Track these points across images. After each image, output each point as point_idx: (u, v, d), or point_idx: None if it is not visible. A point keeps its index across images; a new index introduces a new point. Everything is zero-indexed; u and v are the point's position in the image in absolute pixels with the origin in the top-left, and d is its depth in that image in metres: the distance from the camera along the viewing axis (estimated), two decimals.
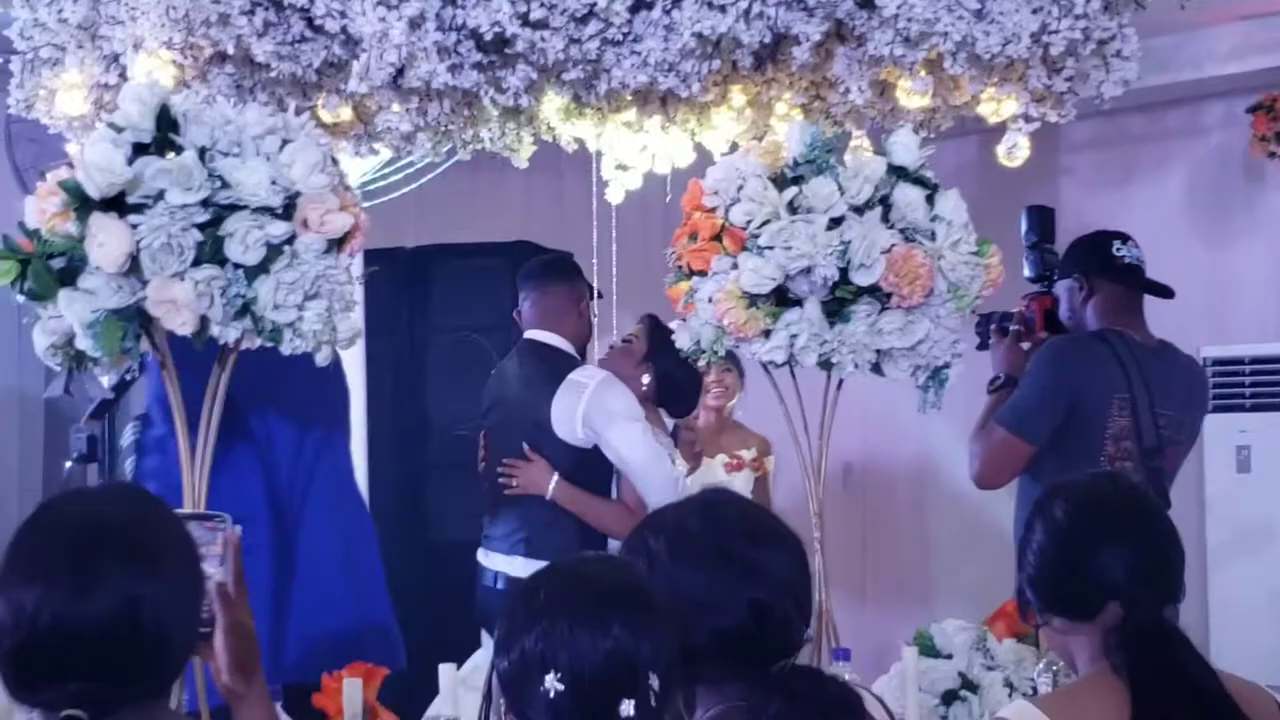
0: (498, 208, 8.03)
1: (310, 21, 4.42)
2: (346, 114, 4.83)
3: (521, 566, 4.85)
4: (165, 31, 4.38)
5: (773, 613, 2.56)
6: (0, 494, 7.20)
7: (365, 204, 4.40)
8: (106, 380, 3.33)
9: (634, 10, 4.40)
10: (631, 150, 5.49)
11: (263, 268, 3.17)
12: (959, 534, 7.62)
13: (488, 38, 4.38)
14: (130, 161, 3.17)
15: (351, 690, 3.24)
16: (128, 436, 6.33)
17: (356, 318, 3.30)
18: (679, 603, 2.52)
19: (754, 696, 2.52)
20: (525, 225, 7.67)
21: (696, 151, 5.36)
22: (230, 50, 4.44)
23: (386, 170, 6.41)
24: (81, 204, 3.15)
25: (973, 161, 7.14)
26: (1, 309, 7.71)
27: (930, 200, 3.73)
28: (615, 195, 5.68)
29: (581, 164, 6.42)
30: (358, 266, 3.39)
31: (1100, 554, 2.72)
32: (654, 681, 2.45)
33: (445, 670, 3.27)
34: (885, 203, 3.69)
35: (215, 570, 2.53)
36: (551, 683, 2.42)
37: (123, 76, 4.59)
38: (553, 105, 5.03)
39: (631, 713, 2.44)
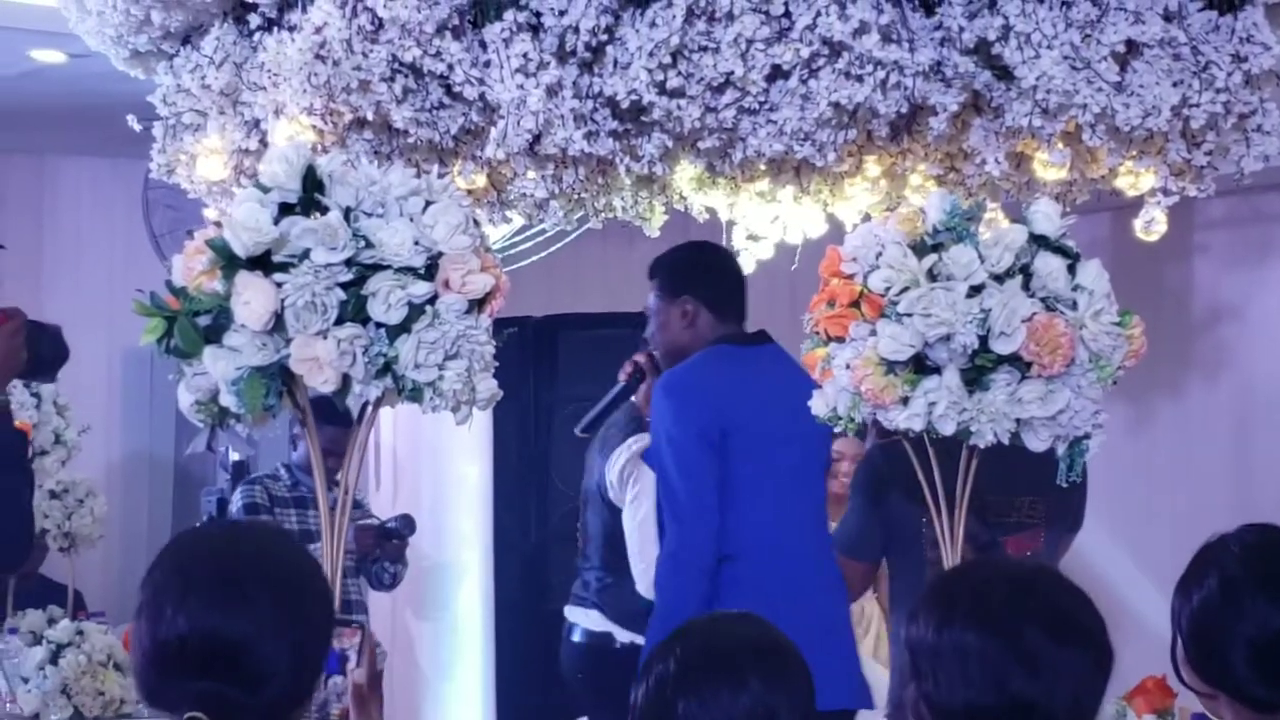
0: (626, 278, 8.03)
1: (449, 88, 4.46)
2: (481, 181, 4.86)
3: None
4: (306, 98, 4.43)
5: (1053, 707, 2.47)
6: (130, 556, 7.29)
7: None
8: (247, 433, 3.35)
9: (770, 79, 4.40)
10: (763, 220, 5.50)
11: (404, 327, 3.20)
12: None
13: (624, 105, 4.40)
14: (276, 221, 3.21)
15: None
16: (237, 501, 6.40)
17: (493, 380, 3.31)
18: (952, 662, 2.47)
19: None
20: None
21: (829, 223, 5.36)
22: (369, 116, 4.48)
23: (516, 239, 6.45)
24: (228, 262, 3.20)
25: (1105, 238, 7.10)
26: (135, 374, 7.89)
27: (1072, 270, 3.69)
28: (747, 265, 5.67)
29: (709, 235, 6.43)
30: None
31: None
32: None
33: None
34: (1026, 271, 3.66)
35: (350, 670, 2.59)
36: None
37: (263, 142, 4.66)
38: (686, 174, 5.05)
39: None
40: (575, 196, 5.08)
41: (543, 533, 7.35)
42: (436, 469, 6.57)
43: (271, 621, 2.30)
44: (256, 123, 4.73)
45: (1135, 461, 7.50)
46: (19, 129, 7.34)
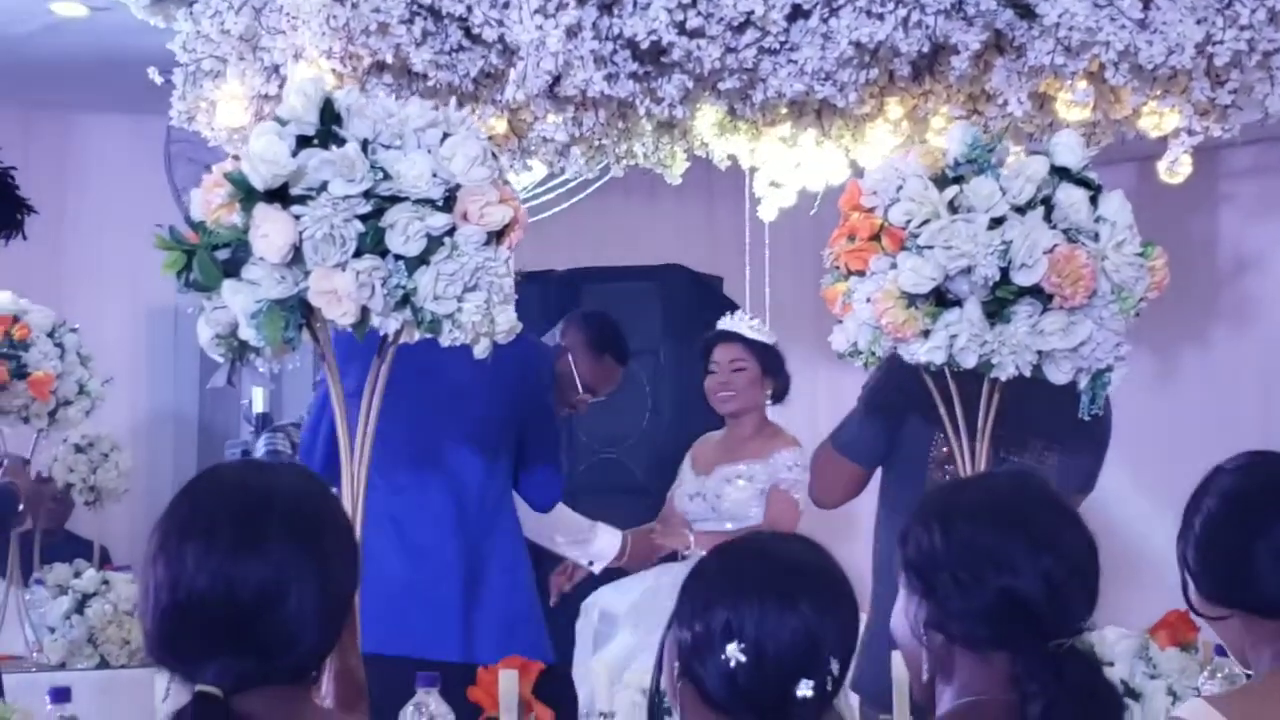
0: (649, 231, 8.06)
1: (468, 31, 4.46)
2: (501, 126, 4.85)
3: None
4: (325, 40, 4.43)
5: (1062, 589, 2.50)
6: (155, 511, 7.29)
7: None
8: (266, 369, 3.34)
9: (791, 19, 4.39)
10: (785, 167, 5.48)
11: (423, 259, 3.18)
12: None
13: (644, 46, 4.39)
14: (294, 153, 3.20)
15: (507, 682, 3.24)
16: (260, 449, 6.41)
17: (512, 312, 3.30)
18: (970, 561, 2.48)
19: (1021, 668, 2.46)
20: (676, 249, 7.68)
21: (851, 168, 5.34)
22: (389, 59, 4.48)
23: (539, 190, 6.43)
24: (246, 195, 3.18)
25: (1131, 188, 7.04)
26: (159, 330, 7.90)
27: (1094, 202, 3.67)
28: (768, 212, 5.66)
29: (733, 188, 6.43)
30: (513, 265, 3.40)
31: None
32: (834, 666, 2.44)
33: (598, 665, 3.26)
34: (1047, 203, 3.64)
35: None
36: (734, 652, 2.41)
37: (282, 88, 4.64)
38: (707, 120, 5.03)
39: (808, 693, 2.42)
40: (596, 142, 5.07)
41: (569, 484, 7.33)
42: None
43: (295, 574, 2.22)
44: (276, 68, 4.73)
45: (1161, 413, 7.47)
46: (42, 85, 7.34)
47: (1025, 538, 2.51)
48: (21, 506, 4.06)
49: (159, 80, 5.02)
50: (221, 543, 2.21)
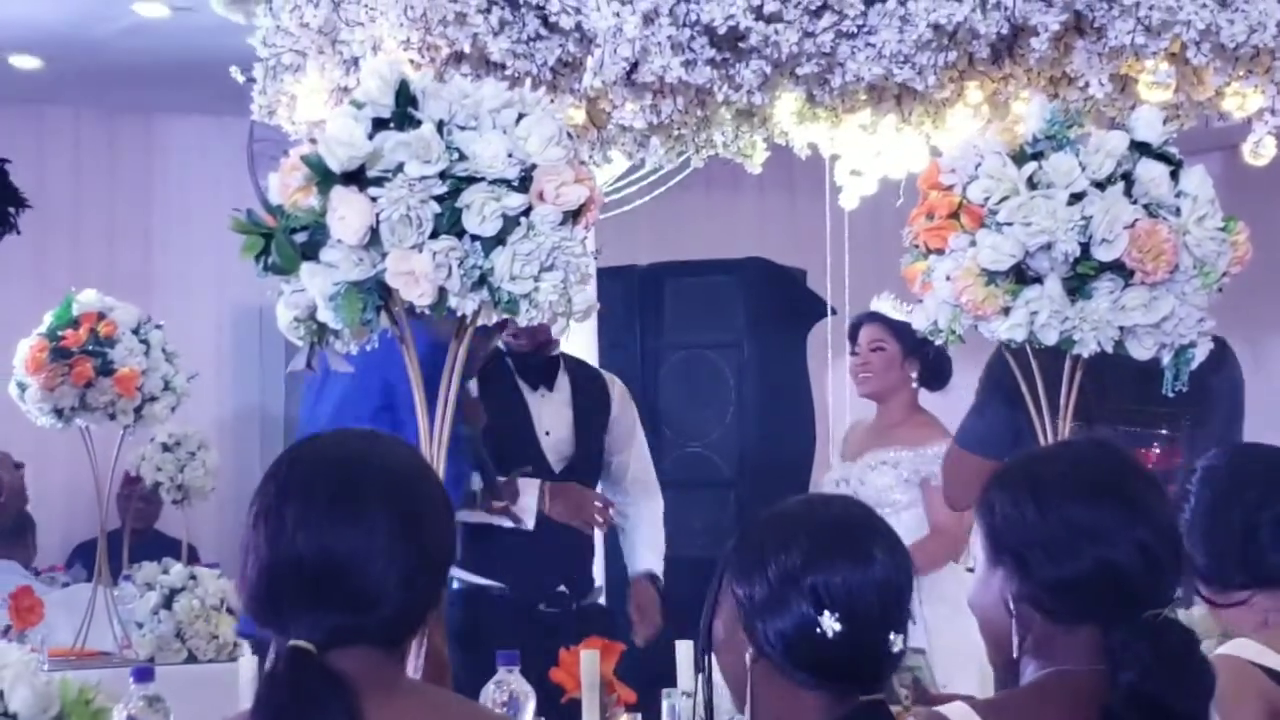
0: (731, 225, 8.06)
1: (545, 19, 4.46)
2: (580, 116, 4.85)
3: None
4: (403, 31, 4.45)
5: (1157, 559, 2.46)
6: (242, 509, 7.34)
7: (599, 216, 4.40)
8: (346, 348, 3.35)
9: (869, 2, 4.37)
10: (865, 154, 5.45)
11: (499, 239, 3.20)
12: None
13: (721, 31, 4.38)
14: (370, 136, 3.21)
15: (589, 663, 3.24)
16: None
17: (591, 291, 3.30)
18: (1064, 532, 2.46)
19: (1114, 639, 2.43)
20: (758, 242, 7.68)
21: (931, 155, 5.31)
22: (466, 49, 4.49)
23: (619, 183, 6.43)
24: (323, 178, 3.21)
25: (1218, 177, 6.96)
26: (244, 330, 7.97)
27: (1174, 176, 3.64)
28: (849, 201, 5.63)
29: (814, 179, 6.40)
30: (592, 243, 3.40)
31: None
32: (911, 610, 2.43)
33: (683, 646, 3.26)
34: (1127, 178, 3.61)
35: None
36: (829, 623, 2.38)
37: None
38: (786, 108, 5.01)
39: (900, 647, 2.41)
40: (675, 131, 5.06)
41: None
42: None
43: (386, 538, 2.26)
44: (355, 60, 4.74)
45: (1253, 402, 7.39)
46: (126, 87, 7.42)
47: (1119, 507, 2.48)
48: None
49: (241, 79, 5.05)
50: (318, 504, 2.26)
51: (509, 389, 5.40)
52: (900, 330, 5.63)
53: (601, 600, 5.71)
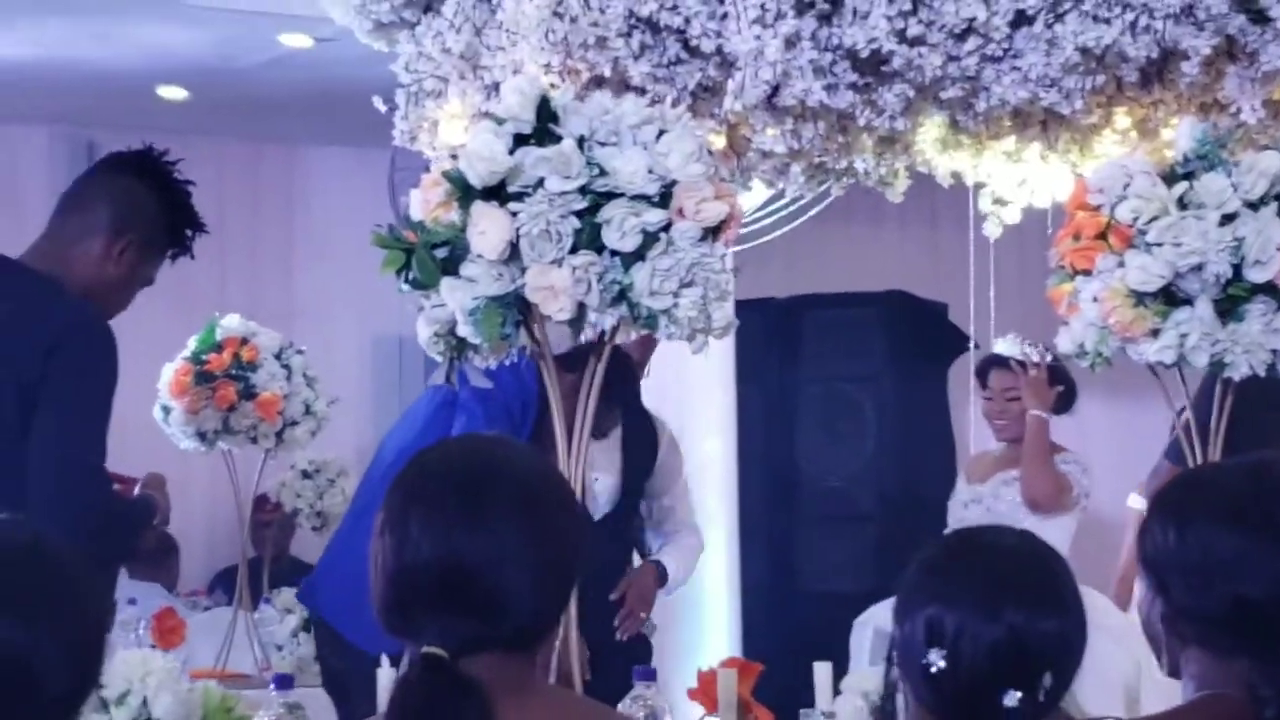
0: (870, 258, 8.01)
1: (686, 43, 4.44)
2: (720, 142, 4.83)
3: None
4: (544, 55, 4.44)
5: None
6: None
7: (735, 248, 4.38)
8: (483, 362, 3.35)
9: (1014, 25, 4.31)
10: (1010, 183, 5.38)
11: (639, 254, 3.19)
12: None
13: (863, 55, 4.34)
14: (511, 151, 3.21)
15: (726, 683, 3.21)
16: None
17: (730, 308, 3.28)
18: (1201, 562, 2.39)
19: (1256, 672, 2.36)
20: (898, 276, 7.62)
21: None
22: (607, 73, 4.48)
23: (758, 214, 6.41)
24: (464, 193, 3.21)
25: None
26: (384, 359, 8.02)
27: None
28: (993, 230, 5.55)
29: (956, 211, 6.35)
30: (730, 260, 3.38)
31: None
32: (1047, 679, 2.35)
33: (821, 669, 3.22)
34: None
35: None
36: (934, 658, 2.34)
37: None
38: (929, 135, 4.96)
39: (1014, 704, 2.33)
40: (816, 159, 5.02)
41: (789, 515, 7.31)
42: (682, 448, 6.54)
43: (515, 545, 2.23)
44: (496, 85, 4.74)
45: None
46: (269, 118, 7.50)
47: (1263, 541, 2.39)
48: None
49: (383, 108, 5.07)
50: (446, 510, 2.23)
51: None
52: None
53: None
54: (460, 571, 2.21)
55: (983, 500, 5.66)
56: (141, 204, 3.99)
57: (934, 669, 2.33)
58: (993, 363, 5.81)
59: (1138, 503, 6.01)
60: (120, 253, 3.93)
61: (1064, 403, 5.76)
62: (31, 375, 3.65)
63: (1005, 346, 5.77)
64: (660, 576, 5.46)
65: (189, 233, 4.05)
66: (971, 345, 6.65)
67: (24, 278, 3.85)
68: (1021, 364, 5.67)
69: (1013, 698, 2.32)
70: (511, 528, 2.24)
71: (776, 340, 7.39)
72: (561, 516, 2.33)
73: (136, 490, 4.19)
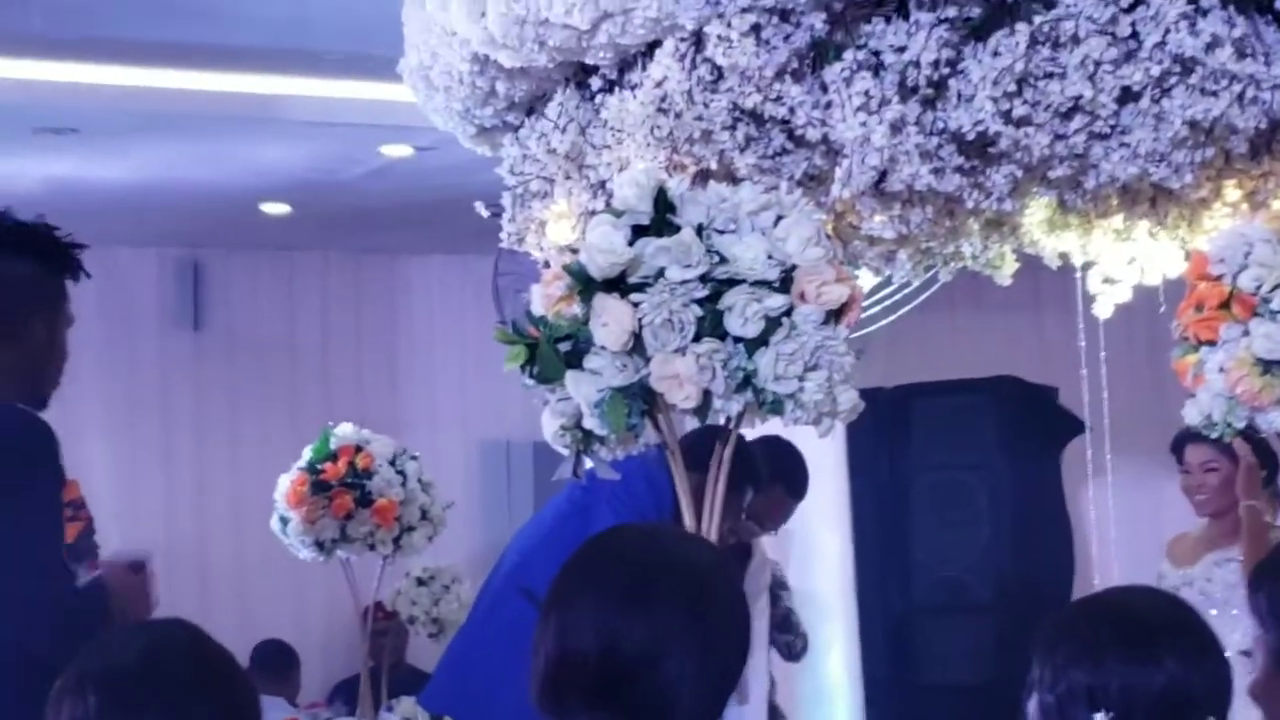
0: (977, 344, 7.98)
1: (791, 133, 4.44)
2: (826, 231, 4.83)
3: None
4: (650, 151, 4.46)
5: None
6: None
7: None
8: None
9: (1121, 101, 4.29)
10: (1119, 261, 5.35)
11: (762, 340, 3.19)
12: None
13: (969, 138, 4.33)
14: (630, 243, 3.23)
15: None
16: None
17: (854, 392, 3.27)
18: None
19: None
20: (1005, 360, 7.59)
21: (1187, 261, 5.19)
22: (713, 166, 4.49)
23: (864, 303, 6.39)
24: (585, 286, 3.22)
25: None
26: (492, 465, 8.03)
27: None
28: (1104, 310, 5.52)
29: (1061, 294, 6.31)
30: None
31: None
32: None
33: None
34: None
35: None
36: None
37: (609, 203, 4.70)
38: (1036, 216, 4.95)
39: None
40: (923, 245, 5.01)
41: (906, 605, 7.26)
42: (798, 539, 6.52)
43: (678, 634, 2.19)
44: (602, 184, 4.77)
45: None
46: (371, 229, 7.57)
47: None
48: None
49: (485, 214, 5.12)
50: (610, 598, 2.21)
51: None
52: (1228, 447, 5.48)
53: None
54: (620, 661, 2.17)
55: (1194, 583, 5.56)
56: (14, 279, 3.65)
57: None
58: (1188, 438, 5.72)
59: None
60: (30, 334, 3.64)
61: (1269, 477, 5.65)
62: None
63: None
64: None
65: (69, 255, 3.77)
66: (1086, 428, 6.59)
67: None
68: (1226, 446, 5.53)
69: None
70: (676, 617, 2.20)
71: (886, 430, 7.36)
72: (729, 612, 2.30)
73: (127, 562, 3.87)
